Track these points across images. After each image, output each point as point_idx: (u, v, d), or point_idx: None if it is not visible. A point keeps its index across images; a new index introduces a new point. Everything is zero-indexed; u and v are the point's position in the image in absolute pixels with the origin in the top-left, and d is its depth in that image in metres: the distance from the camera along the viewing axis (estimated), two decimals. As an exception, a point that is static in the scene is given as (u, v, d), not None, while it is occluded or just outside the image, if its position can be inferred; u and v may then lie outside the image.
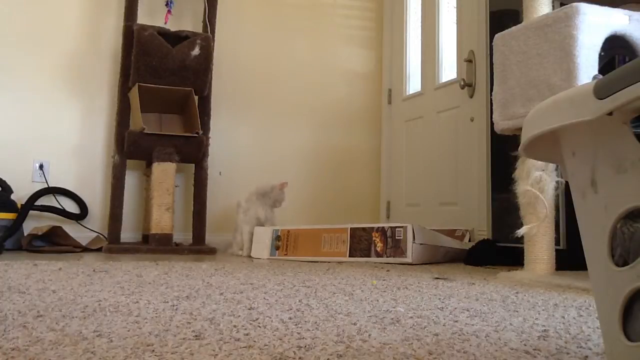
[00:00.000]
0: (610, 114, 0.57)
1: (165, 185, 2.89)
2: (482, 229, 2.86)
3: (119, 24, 3.22)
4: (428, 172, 3.40)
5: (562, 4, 1.95)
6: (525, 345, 0.89)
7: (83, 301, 1.22)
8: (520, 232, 1.83)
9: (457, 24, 3.25)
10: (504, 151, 2.08)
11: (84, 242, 3.02)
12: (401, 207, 3.67)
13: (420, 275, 1.97)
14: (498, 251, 2.45)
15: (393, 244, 2.49)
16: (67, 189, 3.12)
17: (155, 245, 2.83)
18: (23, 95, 3.12)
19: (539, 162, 1.75)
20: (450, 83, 3.27)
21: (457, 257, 2.66)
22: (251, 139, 3.60)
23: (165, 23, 3.19)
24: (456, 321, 1.08)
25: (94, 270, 1.85)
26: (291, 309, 1.17)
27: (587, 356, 0.83)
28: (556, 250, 1.93)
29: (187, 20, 3.43)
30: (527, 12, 2.00)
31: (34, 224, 2.96)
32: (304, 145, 3.72)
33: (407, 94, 3.72)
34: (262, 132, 3.63)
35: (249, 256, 2.83)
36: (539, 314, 1.19)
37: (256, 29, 3.65)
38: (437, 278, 1.87)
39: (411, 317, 1.11)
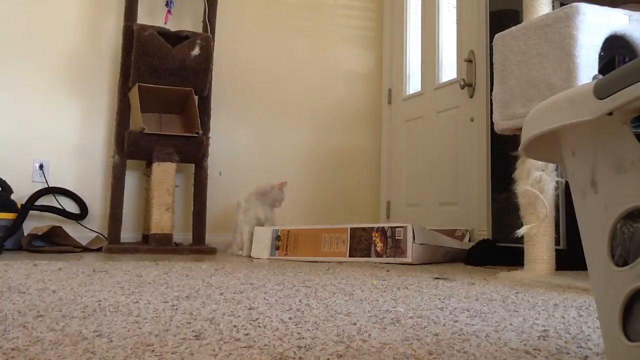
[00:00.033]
0: (610, 114, 0.57)
1: (165, 185, 2.89)
2: (482, 229, 2.86)
3: (119, 24, 3.22)
4: (428, 172, 3.40)
5: (562, 4, 1.95)
6: (525, 345, 0.89)
7: (83, 301, 1.22)
8: (520, 232, 1.83)
9: (457, 24, 3.25)
10: (504, 151, 2.08)
11: (84, 242, 3.02)
12: (401, 207, 3.67)
13: (420, 275, 1.97)
14: (498, 251, 2.45)
15: (393, 244, 2.49)
16: (67, 189, 3.12)
17: (155, 245, 2.83)
18: (23, 95, 3.12)
19: (539, 162, 1.75)
20: (450, 83, 3.27)
21: (457, 257, 2.66)
22: (251, 139, 3.60)
23: (165, 23, 3.19)
24: (456, 321, 1.08)
25: (94, 270, 1.85)
26: (291, 309, 1.17)
27: (587, 356, 0.83)
28: (556, 250, 1.93)
29: (187, 20, 3.43)
30: (527, 12, 2.00)
31: (34, 224, 2.96)
32: (304, 145, 3.72)
33: (407, 94, 3.72)
34: (262, 132, 3.63)
35: (249, 256, 2.83)
36: (539, 314, 1.19)
37: (256, 29, 3.65)
38: (437, 278, 1.87)
39: (411, 317, 1.11)
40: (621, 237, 0.58)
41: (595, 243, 0.62)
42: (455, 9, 3.29)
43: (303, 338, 0.90)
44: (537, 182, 1.78)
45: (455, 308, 1.24)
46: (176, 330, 0.94)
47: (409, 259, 2.43)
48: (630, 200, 0.57)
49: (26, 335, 0.87)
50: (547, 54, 1.77)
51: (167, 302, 1.23)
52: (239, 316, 1.08)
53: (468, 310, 1.21)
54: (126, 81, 3.06)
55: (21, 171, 3.08)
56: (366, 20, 3.99)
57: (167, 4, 3.26)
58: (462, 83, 3.05)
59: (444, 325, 1.04)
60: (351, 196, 3.79)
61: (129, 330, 0.93)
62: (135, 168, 3.24)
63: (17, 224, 2.83)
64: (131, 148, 2.95)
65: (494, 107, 1.99)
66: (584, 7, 1.70)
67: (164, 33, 3.00)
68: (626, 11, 1.76)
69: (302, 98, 3.75)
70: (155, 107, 3.15)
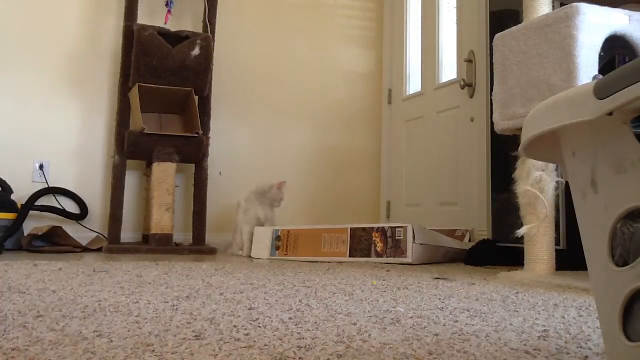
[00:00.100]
0: (610, 114, 0.57)
1: (165, 185, 2.89)
2: (482, 229, 2.86)
3: (119, 24, 3.22)
4: (428, 172, 3.40)
5: (562, 4, 1.95)
6: (525, 345, 0.89)
7: (83, 301, 1.22)
8: (520, 232, 1.83)
9: (457, 24, 3.25)
10: (504, 151, 2.08)
11: (84, 242, 3.02)
12: (401, 207, 3.67)
13: (420, 275, 1.97)
14: (498, 251, 2.45)
15: (393, 244, 2.49)
16: (67, 189, 3.12)
17: (155, 245, 2.83)
18: (23, 96, 3.12)
19: (539, 162, 1.75)
20: (450, 83, 3.27)
21: (457, 257, 2.66)
22: (251, 139, 3.60)
23: (165, 23, 3.19)
24: (456, 321, 1.08)
25: (94, 270, 1.85)
26: (291, 309, 1.17)
27: (587, 356, 0.83)
28: (556, 250, 1.93)
29: (187, 20, 3.43)
30: (527, 12, 2.00)
31: (34, 224, 2.96)
32: (304, 145, 3.72)
33: (407, 94, 3.72)
34: (262, 132, 3.63)
35: (249, 256, 2.83)
36: (539, 314, 1.19)
37: (256, 29, 3.65)
38: (437, 278, 1.87)
39: (411, 317, 1.11)
40: (621, 237, 0.58)
41: (595, 243, 0.62)
42: (455, 9, 3.29)
43: (303, 338, 0.90)
44: (537, 182, 1.78)
45: (455, 308, 1.24)
46: (176, 330, 0.94)
47: (409, 259, 2.43)
48: (630, 200, 0.57)
49: (26, 335, 0.87)
50: (547, 54, 1.77)
51: (167, 302, 1.23)
52: (239, 316, 1.08)
53: (468, 310, 1.21)
54: (126, 81, 3.06)
55: (21, 171, 3.08)
56: (366, 20, 3.99)
57: (167, 4, 3.26)
58: (462, 83, 3.05)
59: (444, 325, 1.04)
60: (351, 196, 3.79)
61: (129, 330, 0.93)
62: (135, 168, 3.24)
63: (17, 224, 2.83)
64: (131, 148, 2.95)
65: (494, 107, 1.99)
66: (584, 7, 1.70)
67: (164, 33, 3.00)
68: (626, 11, 1.76)
69: (302, 98, 3.75)
70: (155, 107, 3.15)
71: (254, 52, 3.63)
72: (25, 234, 2.91)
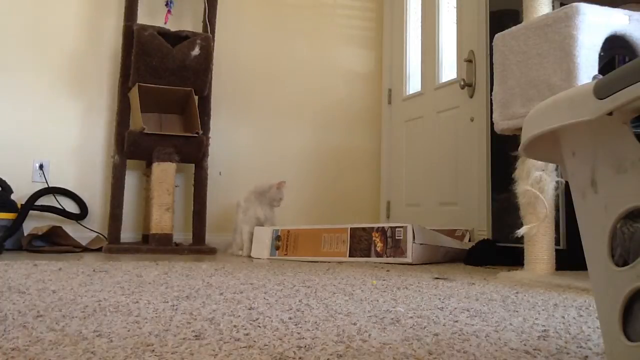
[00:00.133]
0: (610, 114, 0.57)
1: (165, 185, 2.89)
2: (482, 229, 2.86)
3: (119, 24, 3.22)
4: (428, 172, 3.40)
5: (562, 4, 1.95)
6: (525, 345, 0.89)
7: (83, 301, 1.22)
8: (520, 232, 1.83)
9: (457, 24, 3.25)
10: (504, 151, 2.08)
11: (84, 242, 3.02)
12: (401, 207, 3.67)
13: (420, 275, 1.97)
14: (498, 251, 2.45)
15: (393, 244, 2.49)
16: (67, 189, 3.12)
17: (155, 245, 2.83)
18: (23, 95, 3.12)
19: (539, 162, 1.75)
20: (450, 83, 3.27)
21: (457, 257, 2.66)
22: (251, 139, 3.60)
23: (165, 23, 3.19)
24: (456, 321, 1.08)
25: (94, 270, 1.85)
26: (291, 309, 1.17)
27: (587, 356, 0.83)
28: (556, 250, 1.93)
29: (187, 20, 3.43)
30: (527, 12, 2.00)
31: (34, 224, 2.96)
32: (304, 145, 3.72)
33: (407, 94, 3.72)
34: (262, 132, 3.63)
35: (249, 256, 2.83)
36: (539, 314, 1.19)
37: (256, 29, 3.66)
38: (437, 278, 1.87)
39: (411, 317, 1.11)
40: (621, 237, 0.58)
41: (595, 243, 0.62)
42: (455, 9, 3.29)
43: (303, 338, 0.90)
44: (537, 182, 1.78)
45: (455, 308, 1.24)
46: (176, 330, 0.94)
47: (409, 259, 2.43)
48: (630, 200, 0.57)
49: (26, 335, 0.87)
50: (547, 54, 1.77)
51: (167, 302, 1.23)
52: (239, 316, 1.08)
53: (468, 310, 1.21)
54: (126, 81, 3.06)
55: (21, 171, 3.08)
56: (366, 20, 3.99)
57: (167, 4, 3.26)
58: (462, 83, 3.05)
59: (444, 325, 1.04)
60: (351, 196, 3.79)
61: (129, 330, 0.93)
62: (135, 168, 3.24)
63: (17, 224, 2.83)
64: (131, 148, 2.95)
65: (494, 107, 1.99)
66: (584, 7, 1.70)
67: (164, 33, 3.00)
68: (626, 11, 1.76)
69: (302, 98, 3.75)
70: (155, 107, 3.15)
71: (254, 52, 3.63)
72: (25, 234, 2.91)
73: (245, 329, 0.96)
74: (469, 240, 2.89)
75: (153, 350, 0.80)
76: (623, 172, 0.57)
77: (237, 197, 3.07)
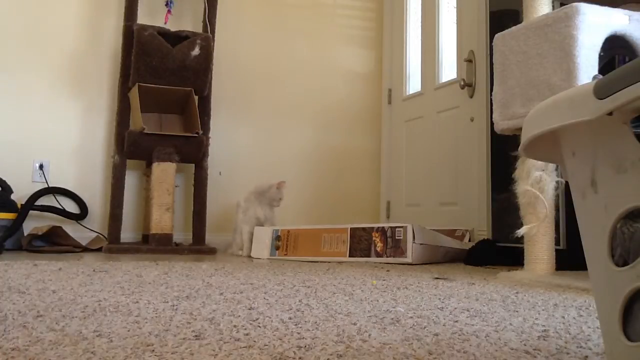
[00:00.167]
0: (610, 114, 0.57)
1: (165, 185, 2.89)
2: (482, 229, 2.86)
3: (119, 24, 3.22)
4: (428, 172, 3.40)
5: (562, 4, 1.95)
6: (525, 345, 0.89)
7: (83, 301, 1.22)
8: (520, 232, 1.83)
9: (457, 24, 3.25)
10: (504, 151, 2.08)
11: (84, 242, 3.02)
12: (401, 207, 3.67)
13: (420, 275, 1.97)
14: (498, 251, 2.45)
15: (393, 244, 2.49)
16: (67, 189, 3.12)
17: (155, 245, 2.83)
18: (23, 96, 3.12)
19: (539, 162, 1.75)
20: (450, 83, 3.27)
21: (457, 257, 2.66)
22: (251, 138, 3.60)
23: (165, 23, 3.19)
24: (456, 321, 1.08)
25: (94, 270, 1.85)
26: (291, 309, 1.17)
27: (587, 356, 0.83)
28: (556, 250, 1.93)
29: (187, 20, 3.43)
30: (527, 12, 2.00)
31: (34, 224, 2.96)
32: (304, 145, 3.72)
33: (407, 94, 3.72)
34: (262, 132, 3.63)
35: (249, 256, 2.83)
36: (539, 314, 1.19)
37: (256, 29, 3.66)
38: (437, 278, 1.87)
39: (411, 317, 1.11)
40: (621, 237, 0.58)
41: (595, 243, 0.62)
42: (455, 9, 3.29)
43: (303, 338, 0.90)
44: (537, 182, 1.78)
45: (455, 308, 1.24)
46: (176, 330, 0.94)
47: (409, 259, 2.43)
48: (630, 200, 0.57)
49: (26, 335, 0.87)
50: (547, 54, 1.77)
51: (167, 302, 1.23)
52: (239, 316, 1.08)
53: (468, 310, 1.21)
54: (126, 81, 3.06)
55: (21, 171, 3.08)
56: (366, 20, 3.99)
57: (167, 4, 3.26)
58: (462, 83, 3.05)
59: (444, 325, 1.04)
60: (351, 196, 3.79)
61: (129, 330, 0.93)
62: (135, 168, 3.24)
63: (17, 224, 2.83)
64: (131, 148, 2.95)
65: (494, 107, 1.99)
66: (584, 7, 1.70)
67: (164, 33, 3.00)
68: (626, 11, 1.76)
69: (302, 98, 3.75)
70: (155, 107, 3.15)
71: (254, 52, 3.63)
72: (25, 234, 2.91)
73: (245, 329, 0.96)
74: (469, 240, 2.89)
75: (153, 350, 0.80)
76: (623, 172, 0.57)
77: (237, 197, 3.07)
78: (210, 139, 3.21)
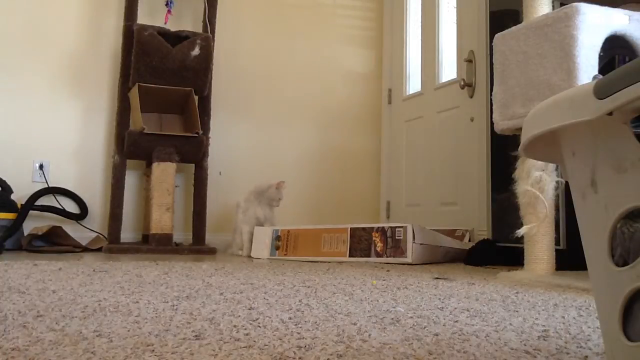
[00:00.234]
0: (610, 114, 0.56)
1: (165, 185, 2.89)
2: (482, 229, 2.86)
3: (119, 24, 3.22)
4: (428, 172, 3.40)
5: (562, 4, 1.95)
6: (525, 345, 0.89)
7: (83, 301, 1.22)
8: (520, 232, 1.83)
9: (457, 24, 3.25)
10: (504, 151, 2.08)
11: (84, 242, 3.02)
12: (401, 207, 3.67)
13: (420, 275, 1.97)
14: (498, 251, 2.45)
15: (393, 244, 2.49)
16: (67, 189, 3.12)
17: (155, 245, 2.83)
18: (23, 96, 3.12)
19: (539, 162, 1.75)
20: (450, 83, 3.27)
21: (457, 257, 2.66)
22: (251, 138, 3.60)
23: (165, 23, 3.19)
24: (456, 321, 1.08)
25: (94, 270, 1.85)
26: (291, 309, 1.17)
27: (587, 356, 0.83)
28: (556, 250, 1.93)
29: (187, 20, 3.43)
30: (527, 12, 2.00)
31: (34, 224, 2.96)
32: (303, 145, 3.72)
33: (407, 94, 3.72)
34: (262, 131, 3.63)
35: (249, 256, 2.83)
36: (539, 314, 1.19)
37: (256, 29, 3.66)
38: (437, 278, 1.87)
39: (411, 317, 1.11)
40: (621, 237, 0.58)
41: (595, 243, 0.62)
42: (455, 9, 3.29)
43: (303, 338, 0.90)
44: (537, 182, 1.78)
45: (455, 308, 1.24)
46: (176, 330, 0.94)
47: (409, 259, 2.43)
48: (630, 200, 0.57)
49: (26, 335, 0.87)
50: (547, 54, 1.77)
51: (167, 302, 1.23)
52: (239, 316, 1.08)
53: (468, 310, 1.21)
54: (126, 81, 3.06)
55: (21, 171, 3.08)
56: (366, 20, 3.99)
57: (167, 4, 3.26)
58: (462, 83, 3.05)
59: (444, 325, 1.04)
60: (351, 196, 3.79)
61: (129, 330, 0.93)
62: (135, 168, 3.24)
63: (17, 224, 2.83)
64: (131, 148, 2.95)
65: (494, 107, 1.99)
66: (584, 7, 1.70)
67: (164, 33, 3.00)
68: (626, 11, 1.76)
69: (302, 98, 3.75)
70: (155, 107, 3.15)
71: (254, 52, 3.63)
72: (25, 234, 2.91)
73: (245, 329, 0.96)
74: (469, 240, 2.90)
75: (153, 350, 0.80)
76: (623, 172, 0.57)
77: (237, 197, 3.07)
78: (210, 139, 3.21)
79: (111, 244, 2.89)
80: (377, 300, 1.32)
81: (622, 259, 0.58)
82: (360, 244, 2.58)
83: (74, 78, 3.23)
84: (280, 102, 3.69)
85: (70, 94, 3.22)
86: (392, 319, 1.09)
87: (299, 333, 0.93)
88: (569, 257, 1.97)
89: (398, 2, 3.85)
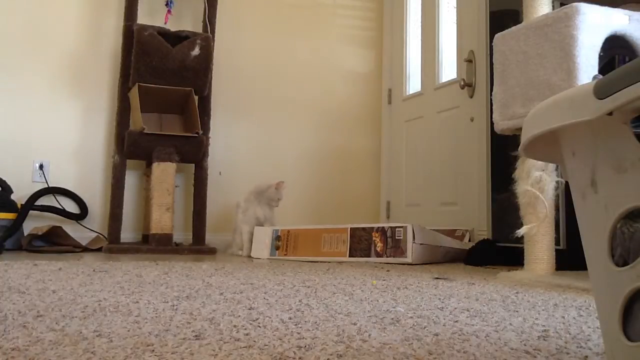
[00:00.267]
0: (610, 114, 0.56)
1: (165, 185, 2.89)
2: (482, 229, 2.86)
3: (119, 24, 3.22)
4: (428, 172, 3.40)
5: (562, 4, 1.95)
6: (525, 345, 0.89)
7: (83, 301, 1.22)
8: (520, 232, 1.83)
9: (457, 24, 3.25)
10: (504, 151, 2.08)
11: (84, 242, 3.02)
12: (401, 207, 3.67)
13: (420, 275, 1.97)
14: (498, 251, 2.45)
15: (393, 244, 2.49)
16: (67, 189, 3.12)
17: (155, 245, 2.83)
18: (23, 96, 3.12)
19: (539, 162, 1.75)
20: (450, 83, 3.27)
21: (457, 257, 2.66)
22: (251, 138, 3.60)
23: (165, 23, 3.19)
24: (456, 321, 1.08)
25: (94, 270, 1.85)
26: (291, 309, 1.17)
27: (587, 356, 0.83)
28: (556, 250, 1.93)
29: (187, 20, 3.43)
30: (527, 12, 2.00)
31: (34, 224, 2.96)
32: (303, 145, 3.72)
33: (407, 94, 3.72)
34: (262, 131, 3.63)
35: (249, 256, 2.83)
36: (539, 314, 1.19)
37: (256, 29, 3.66)
38: (437, 278, 1.87)
39: (411, 317, 1.11)
40: (621, 237, 0.58)
41: (595, 243, 0.62)
42: (455, 9, 3.29)
43: (303, 338, 0.90)
44: (537, 182, 1.78)
45: (455, 308, 1.24)
46: (176, 330, 0.94)
47: (409, 259, 2.43)
48: (630, 200, 0.57)
49: (26, 335, 0.87)
50: (547, 54, 1.77)
51: (167, 302, 1.23)
52: (239, 316, 1.08)
53: (468, 310, 1.21)
54: (126, 81, 3.06)
55: (21, 171, 3.08)
56: (366, 20, 3.99)
57: (167, 4, 3.26)
58: (462, 83, 3.05)
59: (444, 325, 1.04)
60: (351, 196, 3.79)
61: (129, 330, 0.93)
62: (135, 168, 3.24)
63: (17, 224, 2.83)
64: (131, 148, 2.95)
65: (494, 107, 1.99)
66: (584, 7, 1.70)
67: (164, 33, 3.00)
68: (626, 11, 1.76)
69: (302, 98, 3.75)
70: (155, 107, 3.15)
71: (254, 52, 3.63)
72: (25, 234, 2.91)
73: (245, 329, 0.96)
74: (469, 240, 2.89)
75: (153, 350, 0.80)
76: (623, 172, 0.57)
77: (237, 197, 3.07)
78: (210, 139, 3.21)
79: (111, 244, 2.89)
80: (377, 300, 1.32)
81: (622, 259, 0.58)
82: (360, 244, 2.58)
83: (74, 78, 3.23)
84: (280, 102, 3.69)
85: (70, 94, 3.22)
86: (392, 319, 1.09)
87: (299, 333, 0.93)
88: (569, 257, 1.97)
89: (398, 2, 3.85)
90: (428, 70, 3.49)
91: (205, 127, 3.20)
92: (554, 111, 0.64)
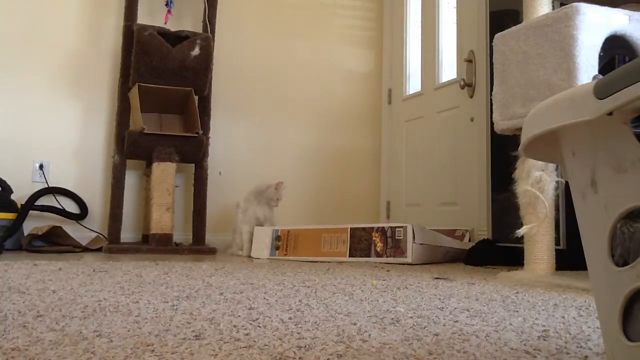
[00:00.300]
0: (610, 114, 0.56)
1: (165, 185, 2.89)
2: (482, 229, 2.86)
3: (119, 24, 3.22)
4: (428, 172, 3.40)
5: (562, 4, 1.95)
6: (525, 345, 0.89)
7: (83, 301, 1.22)
8: (520, 232, 1.83)
9: (457, 24, 3.25)
10: (504, 151, 2.08)
11: (84, 242, 3.02)
12: (401, 207, 3.67)
13: (420, 275, 1.97)
14: (498, 251, 2.45)
15: (393, 244, 2.49)
16: (67, 189, 3.12)
17: (155, 245, 2.83)
18: (23, 96, 3.12)
19: (539, 162, 1.75)
20: (450, 83, 3.27)
21: (457, 257, 2.66)
22: (251, 138, 3.60)
23: (165, 23, 3.19)
24: (456, 321, 1.08)
25: (94, 270, 1.85)
26: (291, 309, 1.17)
27: (587, 356, 0.83)
28: (556, 250, 1.93)
29: (187, 20, 3.43)
30: (527, 12, 2.00)
31: (34, 224, 2.96)
32: (304, 145, 3.72)
33: (407, 94, 3.72)
34: (262, 131, 3.63)
35: (249, 256, 2.83)
36: (539, 314, 1.19)
37: (256, 29, 3.66)
38: (437, 278, 1.87)
39: (411, 317, 1.11)
40: (621, 237, 0.58)
41: (595, 243, 0.62)
42: (455, 9, 3.29)
43: (303, 338, 0.90)
44: (537, 182, 1.78)
45: (455, 308, 1.24)
46: (176, 330, 0.94)
47: (409, 259, 2.43)
48: (630, 200, 0.57)
49: (26, 335, 0.87)
50: (547, 54, 1.77)
51: (167, 302, 1.23)
52: (239, 316, 1.08)
53: (468, 310, 1.21)
54: (126, 81, 3.06)
55: (21, 171, 3.08)
56: (366, 20, 3.99)
57: (167, 4, 3.26)
58: (462, 83, 3.05)
59: (444, 325, 1.04)
60: (351, 196, 3.79)
61: (129, 330, 0.93)
62: (135, 168, 3.24)
63: (17, 224, 2.83)
64: (131, 148, 2.95)
65: (494, 107, 1.99)
66: (584, 7, 1.70)
67: (164, 33, 3.00)
68: (626, 11, 1.76)
69: (302, 98, 3.75)
70: (155, 107, 3.15)
71: (254, 52, 3.63)
72: (25, 234, 2.91)
73: (245, 329, 0.96)
74: (469, 240, 2.89)
75: (153, 350, 0.80)
76: (623, 172, 0.57)
77: (237, 197, 3.07)
78: (210, 139, 3.21)
79: (111, 244, 2.89)
80: (377, 300, 1.32)
81: (622, 259, 0.58)
82: (360, 244, 2.58)
83: (74, 78, 3.23)
84: (280, 102, 3.69)
85: (70, 94, 3.22)
86: (392, 319, 1.09)
87: (299, 333, 0.93)
88: (569, 257, 1.97)
89: (398, 2, 3.85)
90: (428, 70, 3.49)
91: (205, 127, 3.20)
92: (554, 111, 0.64)
